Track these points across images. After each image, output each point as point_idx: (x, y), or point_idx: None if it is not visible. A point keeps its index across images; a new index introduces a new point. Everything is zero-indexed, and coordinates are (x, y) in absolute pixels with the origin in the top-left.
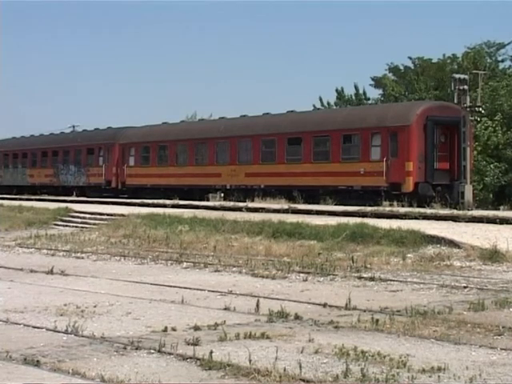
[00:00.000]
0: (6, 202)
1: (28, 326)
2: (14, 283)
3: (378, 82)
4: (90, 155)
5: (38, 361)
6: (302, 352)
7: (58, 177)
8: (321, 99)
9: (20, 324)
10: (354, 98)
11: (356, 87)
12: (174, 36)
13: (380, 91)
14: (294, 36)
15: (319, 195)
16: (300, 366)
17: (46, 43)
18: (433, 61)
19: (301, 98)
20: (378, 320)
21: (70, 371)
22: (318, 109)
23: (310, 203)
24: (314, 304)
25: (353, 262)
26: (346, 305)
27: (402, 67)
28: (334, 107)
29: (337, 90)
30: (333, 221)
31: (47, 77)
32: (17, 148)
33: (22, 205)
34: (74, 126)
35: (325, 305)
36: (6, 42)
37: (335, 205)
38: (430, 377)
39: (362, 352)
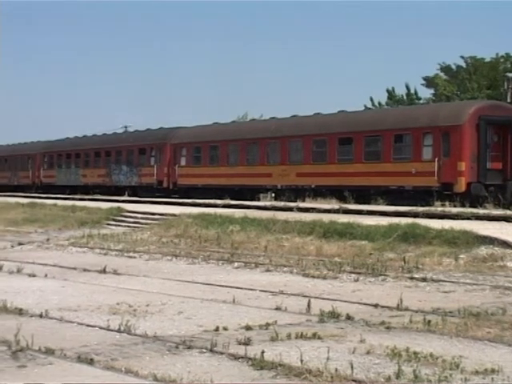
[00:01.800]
0: (59, 202)
1: (82, 324)
2: (67, 282)
3: (429, 82)
4: (142, 155)
5: (91, 359)
6: (353, 352)
7: (110, 177)
8: (372, 99)
9: (74, 322)
10: (405, 97)
11: (407, 87)
12: (225, 36)
13: (432, 91)
14: (346, 36)
15: (370, 195)
16: (352, 367)
17: (99, 45)
18: (485, 60)
19: (352, 98)
20: (430, 321)
21: (123, 370)
22: (369, 109)
23: (360, 203)
24: (365, 304)
25: (404, 263)
26: (398, 305)
27: (454, 66)
28: (385, 107)
29: (388, 90)
30: (384, 221)
31: (100, 78)
32: (70, 148)
33: (75, 204)
34: (126, 127)
35: (376, 305)
36: (55, 44)
37: (386, 205)
38: (483, 379)
39: (415, 353)
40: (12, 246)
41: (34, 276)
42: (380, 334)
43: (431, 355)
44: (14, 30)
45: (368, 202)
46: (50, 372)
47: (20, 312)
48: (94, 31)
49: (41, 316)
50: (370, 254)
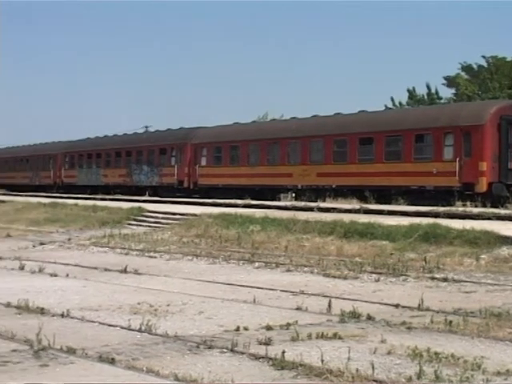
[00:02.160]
0: (80, 202)
1: (103, 324)
2: (88, 282)
3: (450, 82)
4: (163, 155)
5: (113, 358)
6: (374, 353)
7: (131, 177)
8: (392, 99)
9: (95, 322)
10: (426, 97)
11: (428, 87)
12: (247, 36)
13: (453, 90)
14: (367, 35)
15: (391, 195)
16: (373, 367)
17: (121, 44)
18: (507, 59)
19: (372, 98)
20: (451, 321)
21: (144, 369)
22: (390, 109)
23: (381, 203)
24: (386, 305)
25: (425, 263)
26: (419, 306)
27: (475, 66)
28: (406, 107)
29: (408, 90)
30: (405, 221)
31: (121, 78)
32: (91, 148)
33: (96, 204)
34: (146, 127)
35: (397, 305)
36: (75, 44)
37: (407, 205)
38: (505, 379)
39: (436, 353)
40: (34, 246)
41: (55, 276)
42: (401, 335)
43: (452, 356)
44: (32, 29)
45: (389, 202)
46: (72, 371)
47: (42, 311)
48: (116, 31)
49: (62, 315)
50: (391, 254)
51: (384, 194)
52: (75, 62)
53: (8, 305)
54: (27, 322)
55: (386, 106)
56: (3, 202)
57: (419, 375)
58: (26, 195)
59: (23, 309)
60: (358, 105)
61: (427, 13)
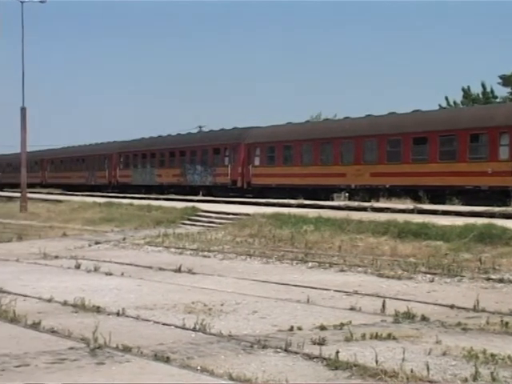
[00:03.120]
0: (135, 202)
1: (158, 322)
2: (143, 281)
3: (506, 80)
4: (216, 155)
5: (168, 357)
6: (429, 354)
7: (185, 176)
8: (447, 98)
9: (150, 321)
10: (481, 96)
11: (483, 86)
12: (301, 35)
13: (508, 89)
14: (421, 35)
15: (445, 195)
16: (428, 368)
17: (175, 45)
18: None
19: (426, 97)
20: (507, 323)
21: (199, 368)
22: (444, 108)
23: (435, 203)
24: (440, 305)
25: (481, 263)
26: (474, 307)
27: None
28: (461, 106)
29: (463, 89)
30: (459, 221)
31: (175, 79)
32: (146, 148)
33: (150, 204)
34: (200, 127)
35: (452, 306)
36: (127, 45)
37: (461, 205)
38: None
39: (492, 355)
40: (89, 245)
41: (110, 275)
42: (456, 336)
43: (509, 357)
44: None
45: (443, 202)
46: (128, 369)
47: (98, 310)
48: (168, 31)
49: (118, 314)
50: (446, 254)
51: (438, 194)
52: (130, 63)
53: (65, 303)
54: (83, 321)
55: (440, 105)
56: (60, 201)
57: (475, 377)
58: (82, 195)
59: (79, 307)
60: (412, 104)
61: (482, 12)
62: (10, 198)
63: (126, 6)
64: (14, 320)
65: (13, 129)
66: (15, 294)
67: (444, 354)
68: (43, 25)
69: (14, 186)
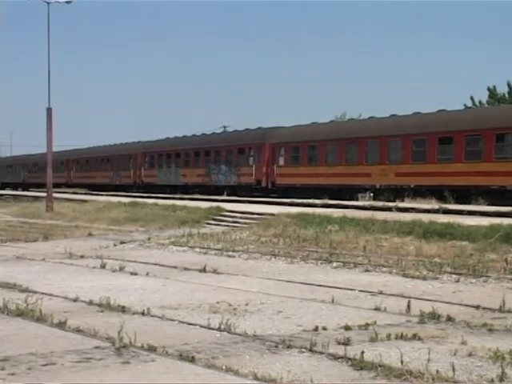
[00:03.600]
0: (160, 201)
1: (183, 322)
2: (168, 280)
3: None
4: (241, 155)
5: (193, 357)
6: (454, 354)
7: (209, 176)
8: (472, 98)
9: (175, 320)
10: (506, 96)
11: (509, 85)
12: (324, 35)
13: None
14: (446, 34)
15: (471, 195)
16: (453, 369)
17: (201, 46)
18: None
19: (451, 97)
20: None
21: (224, 368)
22: (470, 108)
23: (461, 203)
24: (466, 306)
25: (506, 264)
26: (500, 307)
27: None
28: (486, 106)
29: (489, 89)
30: (485, 221)
31: (199, 79)
32: (170, 148)
33: (175, 204)
34: (224, 127)
35: (478, 307)
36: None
37: (487, 205)
38: None
39: None
40: (114, 245)
41: (135, 274)
42: (482, 336)
43: None
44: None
45: (468, 202)
46: (153, 369)
47: (123, 309)
48: (192, 31)
49: (143, 314)
50: (471, 254)
51: (463, 194)
52: (155, 63)
53: (90, 302)
54: (109, 320)
55: (465, 105)
56: (85, 201)
57: (501, 378)
58: (107, 195)
59: (105, 307)
60: (436, 104)
61: (508, 11)
62: (36, 198)
63: (149, 5)
64: (40, 319)
65: (39, 129)
66: (41, 293)
67: (470, 354)
68: (68, 24)
69: (40, 185)
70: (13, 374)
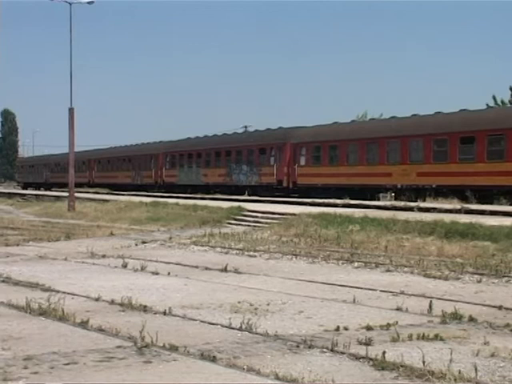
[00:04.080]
0: (181, 201)
1: (204, 322)
2: (189, 280)
3: None
4: (262, 155)
5: (214, 356)
6: (477, 355)
7: (230, 176)
8: (494, 98)
9: (196, 320)
10: None
11: None
12: (347, 37)
13: None
14: (468, 34)
15: (493, 195)
16: (476, 369)
17: (227, 47)
18: None
19: (473, 96)
20: None
21: (245, 368)
22: (492, 107)
23: (483, 203)
24: (488, 306)
25: None
26: None
27: None
28: (509, 105)
29: (511, 88)
30: (507, 221)
31: (222, 79)
32: (192, 148)
33: (196, 204)
34: (246, 127)
35: (500, 307)
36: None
37: (510, 205)
38: None
39: None
40: (136, 245)
41: (157, 274)
42: (505, 337)
43: None
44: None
45: (490, 202)
46: (175, 368)
47: (144, 309)
48: (216, 31)
49: (164, 313)
50: (493, 254)
51: (485, 194)
52: (177, 63)
53: (112, 302)
54: (130, 319)
55: (487, 104)
56: (106, 201)
57: None
58: (129, 194)
59: (126, 306)
60: (458, 104)
61: None
62: (58, 198)
63: (171, 4)
64: (62, 318)
65: (61, 129)
66: (63, 292)
67: (492, 355)
68: (90, 25)
69: (62, 185)
70: (35, 373)
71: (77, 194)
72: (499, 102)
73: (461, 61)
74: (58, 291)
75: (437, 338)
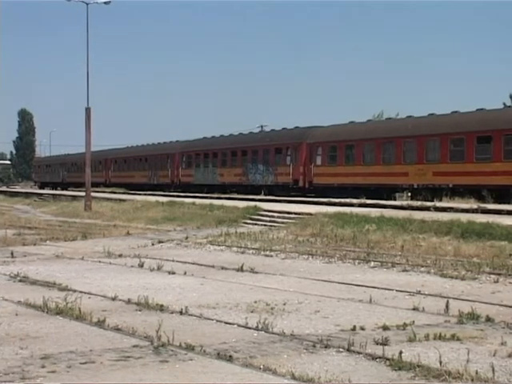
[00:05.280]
0: (197, 201)
1: (220, 321)
2: (206, 280)
3: None
4: (278, 154)
5: (230, 356)
6: (494, 355)
7: (247, 176)
8: (511, 97)
9: (213, 319)
10: None
11: None
12: (363, 37)
13: None
14: (484, 33)
15: (510, 195)
16: (493, 370)
17: (246, 48)
18: None
19: (490, 96)
20: None
21: (261, 367)
22: (509, 107)
23: (499, 203)
24: (505, 306)
25: None
26: None
27: None
28: None
29: None
30: None
31: (238, 79)
32: (208, 148)
33: (212, 203)
34: (262, 126)
35: None
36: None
37: None
38: None
39: None
40: (152, 244)
41: (173, 273)
42: None
43: None
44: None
45: (507, 202)
46: (191, 367)
47: (161, 308)
48: (232, 31)
49: (181, 313)
50: (510, 254)
51: (502, 194)
52: (192, 63)
53: (128, 301)
54: (147, 319)
55: (504, 104)
56: (123, 200)
57: None
58: (145, 194)
59: (143, 305)
60: (475, 103)
61: None
62: (75, 197)
63: (190, 4)
64: (79, 317)
65: (78, 129)
66: (80, 291)
67: (509, 355)
68: (108, 24)
69: (79, 185)
70: (53, 372)
71: (93, 194)
72: None
73: (478, 60)
74: (74, 290)
75: (454, 338)
